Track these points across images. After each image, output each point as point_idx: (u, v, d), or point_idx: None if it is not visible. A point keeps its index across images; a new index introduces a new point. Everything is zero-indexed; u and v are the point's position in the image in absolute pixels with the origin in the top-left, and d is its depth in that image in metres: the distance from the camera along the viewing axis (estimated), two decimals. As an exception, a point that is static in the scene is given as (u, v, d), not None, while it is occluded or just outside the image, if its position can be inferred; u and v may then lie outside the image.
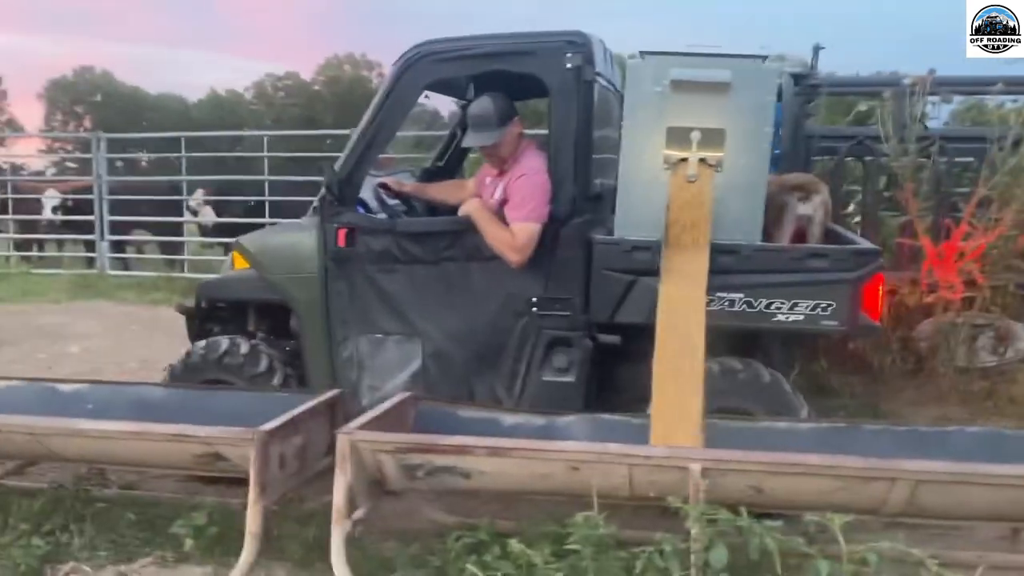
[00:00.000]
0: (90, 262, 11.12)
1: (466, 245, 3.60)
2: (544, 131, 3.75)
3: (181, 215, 10.68)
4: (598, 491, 2.78)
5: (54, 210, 11.22)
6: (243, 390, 3.75)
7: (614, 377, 3.67)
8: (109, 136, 11.00)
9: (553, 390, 3.55)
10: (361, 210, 3.81)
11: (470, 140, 3.77)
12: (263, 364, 3.83)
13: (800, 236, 3.80)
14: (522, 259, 3.48)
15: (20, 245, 11.90)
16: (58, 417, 3.17)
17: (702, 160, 3.34)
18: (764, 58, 3.39)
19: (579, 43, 3.47)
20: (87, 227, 10.84)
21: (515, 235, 3.47)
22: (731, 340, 3.46)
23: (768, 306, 3.33)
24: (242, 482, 2.95)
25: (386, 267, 3.68)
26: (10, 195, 11.33)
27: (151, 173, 15.26)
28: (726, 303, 3.34)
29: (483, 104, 3.63)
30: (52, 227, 11.58)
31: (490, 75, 3.66)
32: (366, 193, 3.89)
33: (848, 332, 3.45)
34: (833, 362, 5.09)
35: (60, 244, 12.69)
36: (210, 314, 4.16)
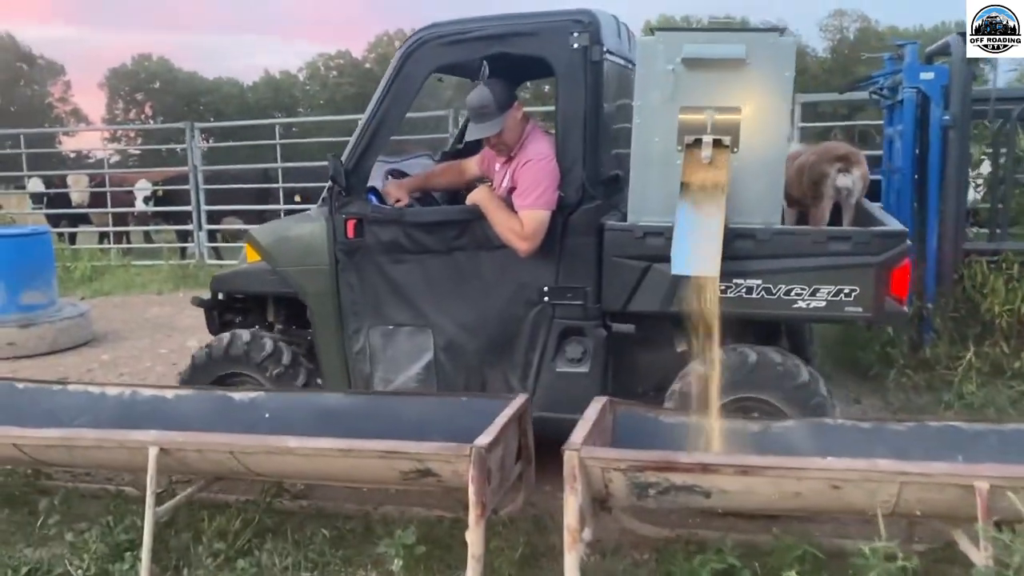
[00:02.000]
0: (183, 252, 11.15)
1: (475, 234, 3.49)
2: (552, 108, 3.58)
3: (277, 202, 10.41)
4: (855, 509, 2.56)
5: (146, 200, 11.27)
6: (419, 394, 3.59)
7: (630, 366, 3.55)
8: (202, 125, 10.90)
9: (568, 381, 3.46)
10: (374, 199, 3.71)
11: (474, 133, 3.56)
12: (286, 359, 3.80)
13: (837, 208, 3.67)
14: (531, 247, 3.37)
15: (114, 237, 11.99)
16: (258, 434, 3.00)
17: (717, 140, 3.18)
18: (781, 31, 3.22)
19: (585, 22, 3.32)
20: (181, 216, 10.84)
21: (523, 223, 3.35)
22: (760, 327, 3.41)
23: (788, 292, 3.18)
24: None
25: (396, 257, 3.60)
26: (108, 188, 11.35)
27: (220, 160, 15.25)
28: (743, 290, 3.19)
29: (481, 94, 3.46)
30: (143, 218, 11.64)
31: (500, 56, 3.49)
32: (379, 181, 3.81)
33: (873, 319, 3.27)
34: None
35: (147, 235, 12.77)
36: (229, 306, 4.15)
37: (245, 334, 3.86)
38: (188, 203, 10.48)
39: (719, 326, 3.12)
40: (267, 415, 3.51)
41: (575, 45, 3.31)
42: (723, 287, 3.14)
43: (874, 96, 5.86)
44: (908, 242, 3.21)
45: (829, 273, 3.15)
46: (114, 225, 11.83)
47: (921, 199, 5.10)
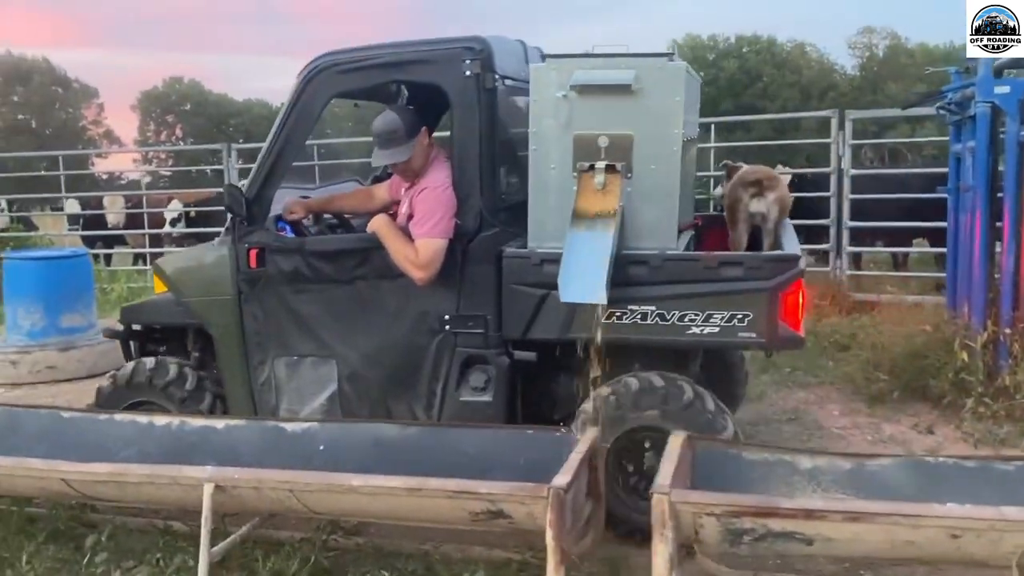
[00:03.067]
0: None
1: (376, 263, 3.46)
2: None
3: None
4: (974, 560, 2.35)
5: (173, 222, 11.23)
6: (480, 427, 3.39)
7: (538, 394, 3.53)
8: (239, 147, 10.82)
9: (471, 410, 3.42)
10: (288, 229, 3.70)
11: (381, 159, 3.54)
12: (190, 385, 3.76)
13: (757, 234, 3.68)
14: (427, 276, 3.33)
15: (149, 258, 11.96)
16: (318, 471, 2.85)
17: (610, 167, 3.15)
18: (670, 55, 3.21)
19: (477, 49, 3.31)
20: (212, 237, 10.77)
21: (418, 252, 3.32)
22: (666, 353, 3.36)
23: (681, 318, 3.15)
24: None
25: (298, 287, 3.57)
26: (145, 208, 11.32)
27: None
28: (638, 316, 3.17)
29: (387, 119, 3.45)
30: (178, 239, 11.59)
31: (411, 84, 3.49)
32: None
33: (767, 344, 3.24)
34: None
35: (178, 257, 12.71)
36: (148, 336, 4.12)
37: (149, 361, 3.84)
38: (223, 224, 10.37)
39: (603, 354, 3.09)
40: (321, 447, 3.36)
41: (467, 72, 3.30)
42: (618, 313, 3.12)
43: (941, 112, 5.63)
44: (801, 266, 3.14)
45: (722, 299, 3.13)
46: (150, 246, 11.80)
47: (995, 218, 4.86)
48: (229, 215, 3.63)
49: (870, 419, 4.81)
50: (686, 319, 3.14)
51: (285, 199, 3.80)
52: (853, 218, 7.61)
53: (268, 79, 72.35)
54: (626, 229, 3.14)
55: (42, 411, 3.75)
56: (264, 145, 3.61)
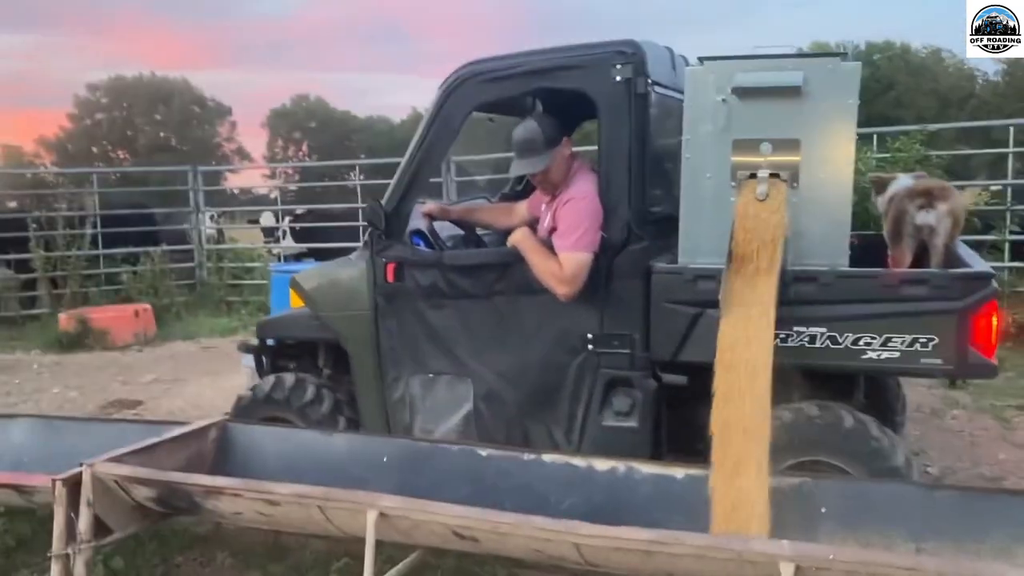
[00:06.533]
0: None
1: (515, 278, 3.33)
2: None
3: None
4: None
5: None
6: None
7: (686, 421, 3.22)
8: (459, 159, 9.80)
9: (615, 436, 3.23)
10: (420, 242, 3.62)
11: (517, 168, 3.43)
12: (326, 407, 3.74)
13: (924, 251, 3.30)
14: (571, 292, 3.17)
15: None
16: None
17: (774, 174, 2.93)
18: (843, 55, 2.99)
19: (629, 53, 3.16)
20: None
21: (562, 266, 3.17)
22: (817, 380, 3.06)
23: (856, 342, 2.87)
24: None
25: (435, 302, 3.49)
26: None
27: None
28: (806, 339, 2.90)
29: (528, 128, 3.32)
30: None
31: (550, 96, 3.33)
32: (422, 223, 3.74)
33: (955, 372, 2.93)
34: None
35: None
36: (280, 350, 4.12)
37: (289, 378, 3.83)
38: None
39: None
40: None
41: (618, 77, 3.14)
42: (783, 335, 2.86)
43: None
44: (994, 286, 2.83)
45: (903, 320, 2.84)
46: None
47: None
48: (368, 229, 3.61)
49: None
50: (861, 343, 2.86)
51: (422, 207, 3.77)
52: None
53: (389, 96, 74.68)
54: (791, 244, 2.90)
55: (455, 447, 3.29)
56: (404, 158, 3.54)
